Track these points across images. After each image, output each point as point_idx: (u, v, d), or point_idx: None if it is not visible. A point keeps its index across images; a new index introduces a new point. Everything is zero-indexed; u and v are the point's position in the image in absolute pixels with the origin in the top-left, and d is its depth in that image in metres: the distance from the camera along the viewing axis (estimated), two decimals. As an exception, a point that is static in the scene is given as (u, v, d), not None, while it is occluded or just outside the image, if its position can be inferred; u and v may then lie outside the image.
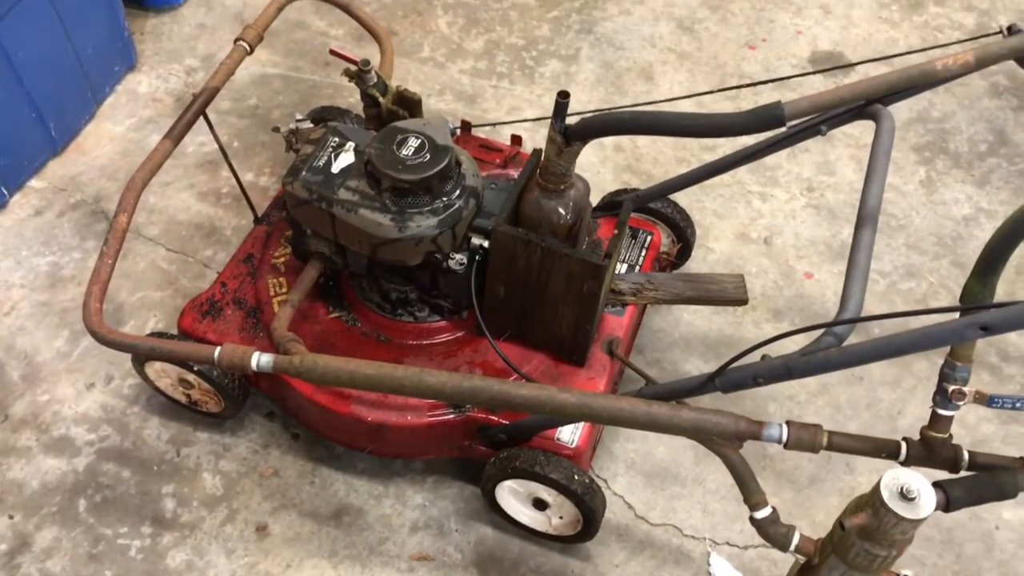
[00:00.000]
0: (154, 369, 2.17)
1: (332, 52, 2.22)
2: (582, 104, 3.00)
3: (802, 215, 2.75)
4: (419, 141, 1.91)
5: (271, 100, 3.00)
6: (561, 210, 1.89)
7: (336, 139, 2.01)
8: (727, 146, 2.87)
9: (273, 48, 3.14)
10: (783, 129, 1.60)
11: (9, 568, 2.07)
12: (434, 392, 1.61)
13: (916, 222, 2.74)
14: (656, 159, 2.87)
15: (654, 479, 2.22)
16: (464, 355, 2.09)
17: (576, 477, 1.92)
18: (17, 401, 2.30)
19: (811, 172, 2.85)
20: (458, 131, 2.29)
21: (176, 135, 2.01)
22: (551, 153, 1.80)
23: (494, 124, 2.45)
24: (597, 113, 1.70)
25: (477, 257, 1.95)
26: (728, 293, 2.20)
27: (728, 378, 1.62)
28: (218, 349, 1.69)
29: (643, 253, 2.31)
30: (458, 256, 1.96)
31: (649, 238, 2.34)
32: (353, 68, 2.10)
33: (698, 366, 2.40)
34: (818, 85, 3.08)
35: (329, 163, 1.97)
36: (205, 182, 2.77)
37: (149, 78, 3.05)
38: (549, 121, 1.74)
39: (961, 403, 1.51)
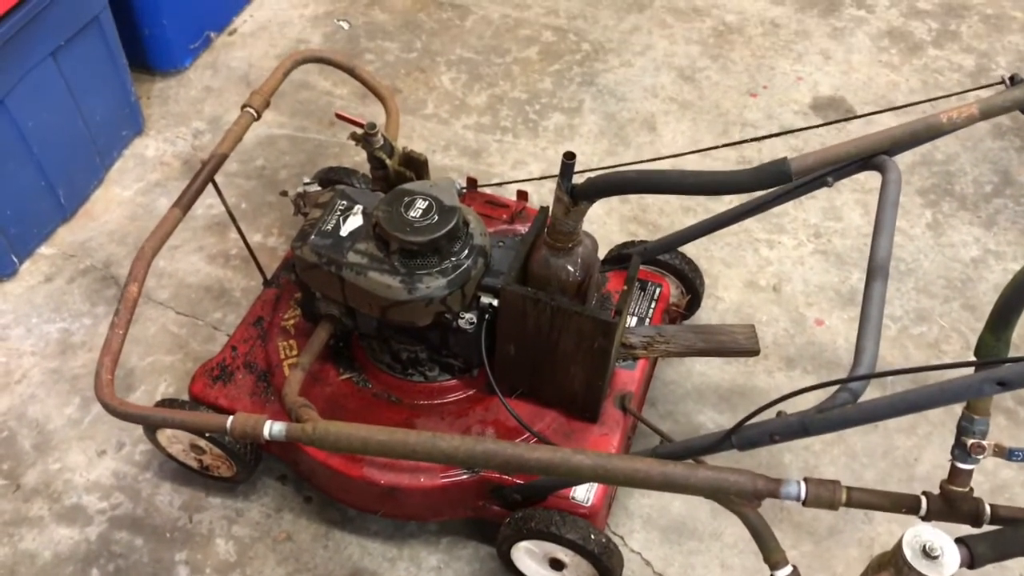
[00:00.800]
0: (165, 436, 2.17)
1: (338, 116, 2.24)
2: (586, 156, 3.01)
3: (810, 261, 2.75)
4: (426, 203, 1.92)
5: (278, 160, 3.03)
6: (570, 267, 1.89)
7: (344, 202, 2.03)
8: (734, 197, 2.88)
9: (279, 109, 3.18)
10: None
11: (21, 642, 2.05)
12: (447, 457, 1.60)
13: (925, 265, 2.74)
14: (662, 209, 2.88)
15: (671, 534, 2.19)
16: (476, 414, 2.08)
17: (592, 537, 1.90)
18: (29, 470, 2.30)
19: (818, 218, 2.85)
20: (464, 191, 2.30)
21: (185, 203, 2.03)
22: (559, 212, 1.80)
23: (500, 184, 2.46)
24: (603, 173, 1.71)
25: (487, 316, 1.96)
26: (739, 344, 2.20)
27: (744, 436, 1.60)
28: (230, 419, 1.68)
29: (652, 305, 2.30)
30: (468, 315, 1.96)
31: (658, 290, 2.33)
32: (359, 131, 2.12)
33: (712, 417, 2.39)
34: (822, 132, 3.09)
35: (338, 226, 1.98)
36: (214, 244, 2.78)
37: (156, 142, 3.08)
38: (555, 178, 1.74)
39: (981, 457, 1.50)
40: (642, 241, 2.41)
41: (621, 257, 2.36)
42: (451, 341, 2.04)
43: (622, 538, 2.18)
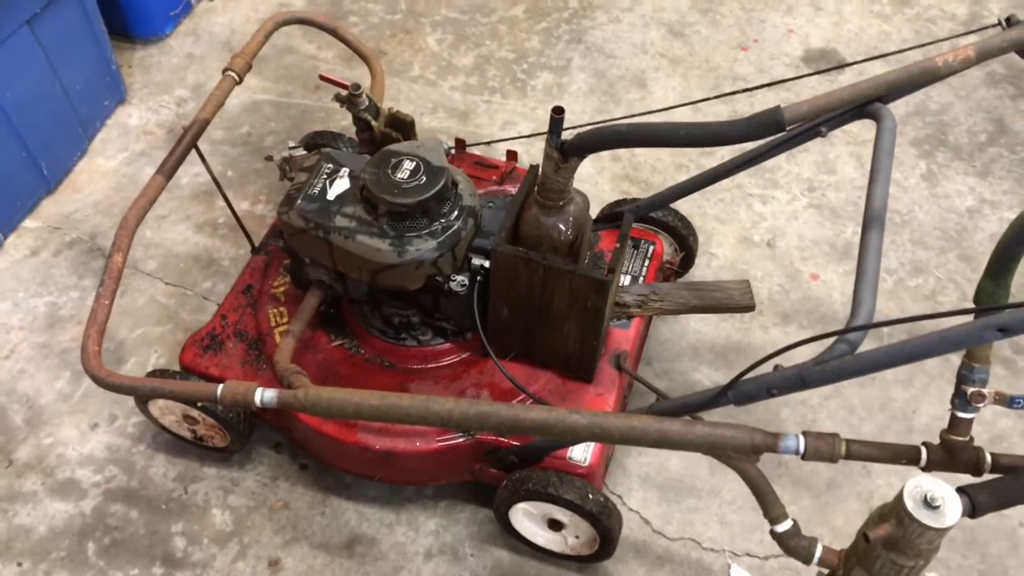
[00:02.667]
0: (158, 407, 2.14)
1: (322, 77, 2.20)
2: (576, 115, 2.97)
3: (804, 216, 2.72)
4: (414, 164, 1.89)
5: (263, 127, 2.98)
6: (561, 226, 1.86)
7: (330, 165, 1.99)
8: (726, 151, 2.84)
9: (263, 74, 3.12)
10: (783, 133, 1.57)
11: (20, 617, 2.04)
12: (441, 420, 1.58)
13: (920, 217, 2.71)
14: (654, 167, 2.85)
15: (669, 492, 2.19)
16: (471, 377, 2.06)
17: (590, 496, 1.89)
18: (21, 446, 2.28)
19: (811, 172, 2.82)
20: (452, 151, 2.26)
21: (168, 170, 1.99)
22: (548, 170, 1.77)
23: (488, 142, 2.42)
24: (593, 127, 1.68)
25: (479, 278, 1.93)
26: (734, 300, 2.17)
27: (741, 390, 1.58)
28: (220, 387, 1.65)
29: (646, 263, 2.28)
30: (459, 278, 1.93)
31: (652, 248, 2.31)
32: (344, 93, 2.08)
33: (708, 375, 2.37)
34: (814, 84, 3.05)
35: (324, 190, 1.94)
36: (201, 213, 2.74)
37: (139, 110, 3.03)
38: (544, 137, 1.71)
39: (981, 405, 1.48)
40: (634, 199, 2.38)
41: (613, 215, 2.33)
42: (443, 304, 2.02)
43: (620, 497, 2.17)
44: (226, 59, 3.12)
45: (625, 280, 2.24)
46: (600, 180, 2.81)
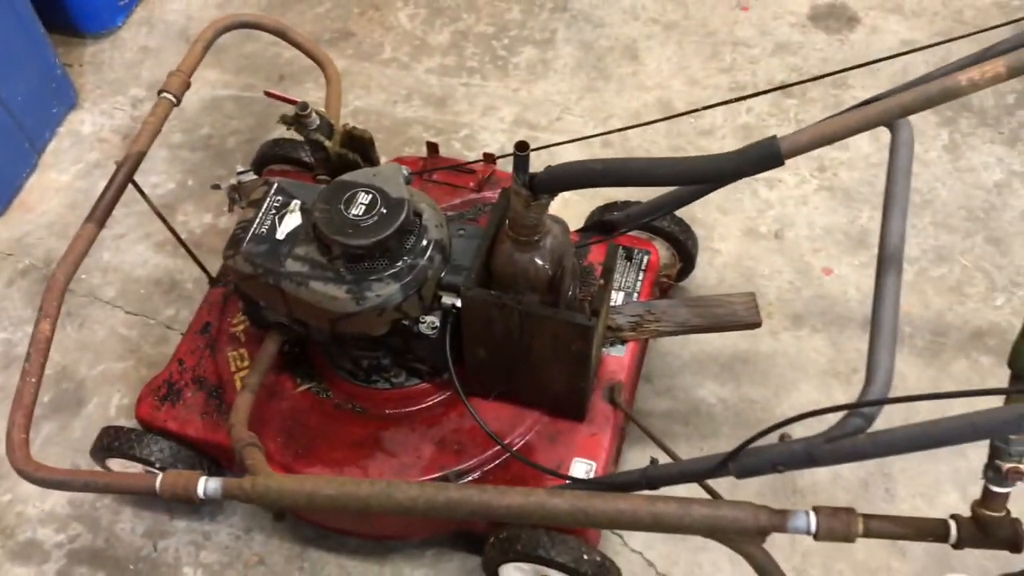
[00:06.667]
0: (117, 461, 1.98)
1: (267, 94, 1.98)
2: (563, 95, 2.73)
3: (815, 200, 2.49)
4: (370, 196, 1.68)
5: (225, 126, 2.76)
6: (538, 261, 1.65)
7: (279, 198, 1.78)
8: (727, 136, 2.61)
9: (223, 66, 2.89)
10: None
11: None
12: (404, 509, 1.41)
13: (942, 195, 2.48)
14: (649, 153, 2.61)
15: (674, 529, 2.01)
16: (450, 421, 1.88)
17: (585, 556, 1.72)
18: (-22, 504, 2.13)
19: (821, 149, 2.57)
20: (411, 179, 2.03)
21: (100, 216, 1.79)
22: (518, 206, 1.56)
23: (457, 165, 2.18)
24: (563, 164, 1.46)
25: (450, 318, 1.73)
26: (738, 317, 1.97)
27: (744, 464, 1.39)
28: (159, 478, 1.48)
29: (640, 276, 2.07)
30: (429, 319, 1.74)
31: (646, 258, 2.09)
32: (289, 114, 1.86)
33: (713, 391, 2.18)
34: (821, 44, 2.79)
35: (274, 228, 1.74)
36: (161, 230, 2.50)
37: (92, 115, 2.81)
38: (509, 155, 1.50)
39: (1019, 481, 1.28)
40: (624, 203, 2.16)
41: (603, 224, 2.12)
42: (414, 346, 1.82)
43: (622, 538, 2.01)
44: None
45: (618, 298, 2.04)
46: (591, 169, 2.58)
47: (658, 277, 2.11)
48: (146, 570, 2.03)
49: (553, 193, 1.51)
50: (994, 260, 2.34)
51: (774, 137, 1.34)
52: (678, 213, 2.16)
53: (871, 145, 2.56)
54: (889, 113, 1.30)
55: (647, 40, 2.86)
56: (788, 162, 2.51)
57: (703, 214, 2.45)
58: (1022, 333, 1.28)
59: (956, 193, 2.47)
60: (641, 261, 2.09)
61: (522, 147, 1.45)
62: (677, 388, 2.20)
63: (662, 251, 2.17)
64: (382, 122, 2.73)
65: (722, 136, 2.60)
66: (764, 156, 1.33)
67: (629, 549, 1.99)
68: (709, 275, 2.36)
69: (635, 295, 2.05)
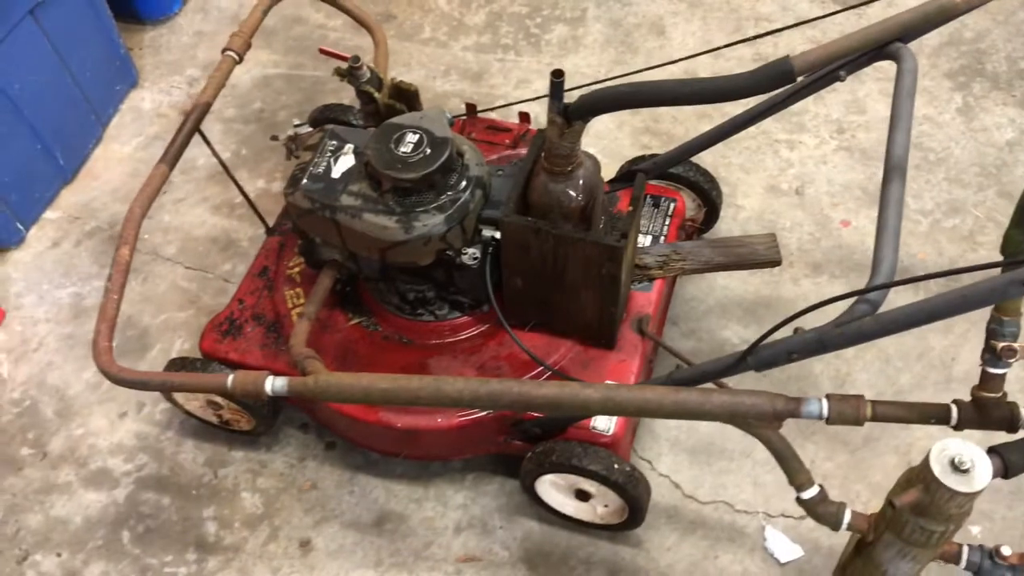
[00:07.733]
0: (182, 394, 2.14)
1: (322, 51, 2.15)
2: (592, 68, 2.88)
3: (834, 159, 2.61)
4: (417, 136, 1.84)
5: (275, 102, 2.94)
6: (571, 192, 1.80)
7: (334, 142, 1.95)
8: (752, 100, 2.74)
9: (272, 47, 3.07)
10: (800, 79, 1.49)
11: (62, 606, 2.07)
12: (452, 400, 1.55)
13: (956, 153, 2.59)
14: (675, 117, 2.75)
15: (700, 455, 2.14)
16: (489, 350, 2.03)
17: (616, 466, 1.85)
18: (53, 438, 2.30)
19: (840, 112, 2.71)
20: (453, 121, 2.19)
21: (171, 158, 1.96)
22: (553, 135, 1.71)
23: (501, 106, 2.35)
24: (595, 88, 1.61)
25: (490, 249, 1.88)
26: (759, 255, 2.10)
27: (760, 356, 1.52)
28: (231, 377, 1.63)
29: (667, 222, 2.21)
30: (471, 251, 1.89)
31: (672, 205, 2.23)
32: (343, 66, 2.02)
33: (737, 332, 2.31)
34: (840, 20, 2.92)
35: (329, 168, 1.90)
36: (218, 194, 2.72)
37: (152, 93, 3.01)
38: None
39: (1012, 360, 1.40)
40: (654, 155, 2.30)
41: (632, 174, 2.25)
42: (456, 278, 1.97)
43: (650, 462, 2.13)
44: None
45: (645, 240, 2.18)
46: (620, 135, 2.73)
47: (684, 223, 2.25)
48: (207, 495, 2.19)
49: (585, 119, 1.66)
50: (1006, 212, 2.45)
51: (786, 57, 1.48)
52: (702, 165, 2.31)
53: (887, 109, 2.67)
54: (891, 31, 1.44)
55: (673, 16, 3.01)
56: (808, 124, 2.67)
57: (727, 173, 2.59)
58: (1013, 221, 1.40)
59: (969, 151, 2.59)
60: (668, 208, 2.23)
61: (558, 74, 1.60)
62: (702, 330, 2.33)
63: (688, 201, 2.31)
64: (422, 95, 2.83)
65: (744, 103, 2.73)
66: (778, 73, 1.47)
67: (657, 473, 2.12)
68: (733, 229, 2.49)
69: (662, 239, 2.19)
